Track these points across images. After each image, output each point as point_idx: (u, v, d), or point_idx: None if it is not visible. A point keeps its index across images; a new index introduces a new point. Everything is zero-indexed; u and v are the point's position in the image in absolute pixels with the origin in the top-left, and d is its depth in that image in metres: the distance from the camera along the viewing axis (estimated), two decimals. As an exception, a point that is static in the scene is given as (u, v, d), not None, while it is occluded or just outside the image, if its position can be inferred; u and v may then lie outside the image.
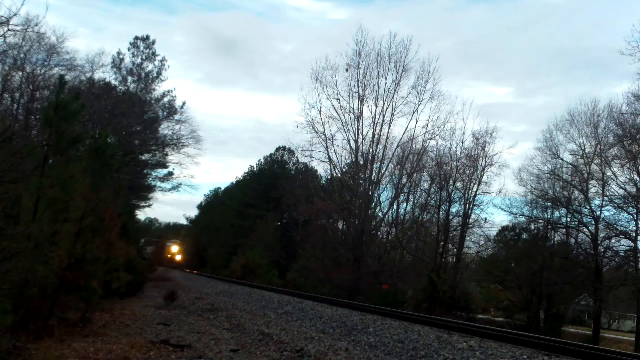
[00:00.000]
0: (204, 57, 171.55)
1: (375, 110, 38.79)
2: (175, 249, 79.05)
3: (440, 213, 35.09)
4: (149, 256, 70.04)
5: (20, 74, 24.90)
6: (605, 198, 29.66)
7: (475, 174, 35.18)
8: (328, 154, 40.56)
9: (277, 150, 64.71)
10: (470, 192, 35.09)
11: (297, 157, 60.11)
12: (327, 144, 40.38)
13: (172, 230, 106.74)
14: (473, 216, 35.22)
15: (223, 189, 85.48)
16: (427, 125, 37.82)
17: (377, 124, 38.58)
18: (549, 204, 32.21)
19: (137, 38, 41.84)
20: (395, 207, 39.88)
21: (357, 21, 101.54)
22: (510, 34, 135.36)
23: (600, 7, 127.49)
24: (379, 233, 41.39)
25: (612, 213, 29.55)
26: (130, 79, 41.09)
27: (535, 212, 32.97)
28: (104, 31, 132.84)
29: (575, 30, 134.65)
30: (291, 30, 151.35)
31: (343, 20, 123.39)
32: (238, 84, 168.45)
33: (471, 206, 35.04)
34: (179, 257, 78.53)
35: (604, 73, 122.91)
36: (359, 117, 38.99)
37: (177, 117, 41.25)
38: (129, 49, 41.43)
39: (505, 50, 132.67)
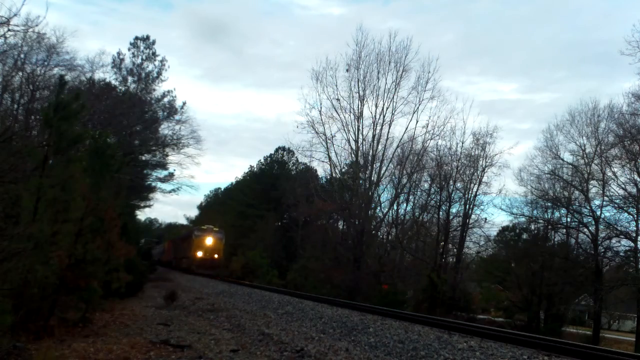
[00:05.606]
0: (203, 52, 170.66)
1: (375, 110, 38.85)
2: (210, 240, 45.40)
3: (440, 213, 35.13)
4: (159, 257, 66.39)
5: (20, 74, 24.90)
6: (605, 198, 29.76)
7: (475, 174, 35.25)
8: (328, 154, 40.63)
9: (277, 150, 64.76)
10: (470, 192, 35.16)
11: (296, 157, 60.17)
12: (327, 144, 40.44)
13: (173, 228, 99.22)
14: (473, 216, 35.31)
15: (223, 189, 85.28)
16: (427, 125, 37.89)
17: (377, 124, 38.64)
18: (549, 204, 32.25)
19: (137, 38, 42.02)
20: (395, 207, 39.93)
21: (358, 15, 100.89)
22: (516, 27, 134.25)
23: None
24: (379, 233, 41.43)
25: (612, 213, 29.68)
26: (130, 79, 41.24)
27: (535, 212, 33.07)
28: (101, 28, 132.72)
29: (584, 23, 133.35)
30: (291, 25, 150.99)
31: (343, 15, 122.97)
32: (238, 80, 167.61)
33: (471, 206, 35.11)
34: (216, 256, 45.56)
35: (614, 68, 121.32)
36: (359, 117, 39.05)
37: (177, 117, 41.46)
38: (128, 49, 41.61)
39: (511, 45, 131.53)
